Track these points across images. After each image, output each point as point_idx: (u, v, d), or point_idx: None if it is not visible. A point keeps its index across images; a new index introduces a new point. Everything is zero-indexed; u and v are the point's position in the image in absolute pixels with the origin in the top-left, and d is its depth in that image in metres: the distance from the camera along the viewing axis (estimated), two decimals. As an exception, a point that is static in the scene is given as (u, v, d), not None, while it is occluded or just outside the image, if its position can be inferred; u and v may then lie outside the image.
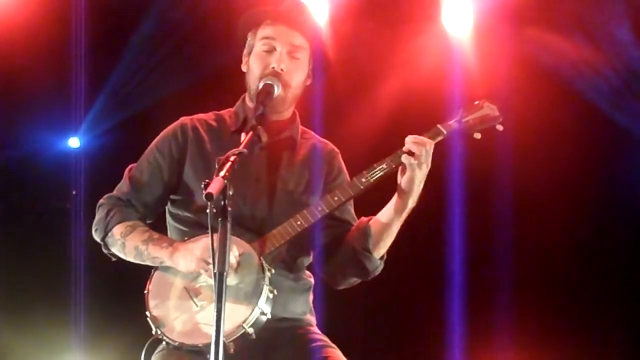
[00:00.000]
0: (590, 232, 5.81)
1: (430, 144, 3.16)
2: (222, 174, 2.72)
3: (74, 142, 6.37)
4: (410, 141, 3.16)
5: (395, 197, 3.22)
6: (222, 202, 2.71)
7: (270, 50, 3.33)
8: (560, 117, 5.63)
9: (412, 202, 3.20)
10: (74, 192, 6.29)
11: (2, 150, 6.18)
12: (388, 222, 3.22)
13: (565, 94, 5.62)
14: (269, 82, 3.26)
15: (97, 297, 6.17)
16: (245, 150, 2.87)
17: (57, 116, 6.24)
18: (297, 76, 3.35)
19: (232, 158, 2.79)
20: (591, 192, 5.77)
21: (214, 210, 2.70)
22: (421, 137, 3.17)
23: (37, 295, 6.16)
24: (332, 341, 3.33)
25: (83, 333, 6.23)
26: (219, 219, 2.72)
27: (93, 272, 6.08)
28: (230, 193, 2.72)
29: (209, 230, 2.72)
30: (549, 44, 5.53)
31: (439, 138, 3.24)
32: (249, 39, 3.41)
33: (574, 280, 5.82)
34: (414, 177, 3.15)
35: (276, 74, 3.29)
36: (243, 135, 3.06)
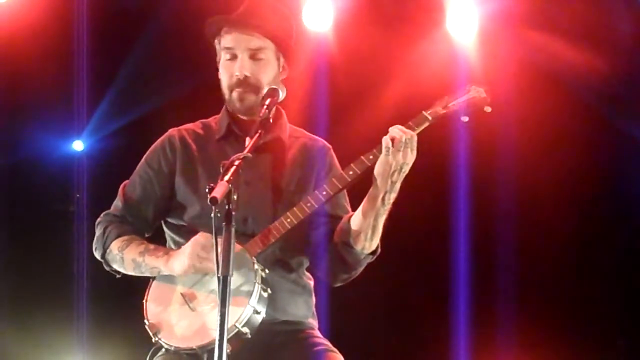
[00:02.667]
0: (594, 236, 5.80)
1: (409, 135, 3.10)
2: (226, 178, 2.73)
3: (77, 145, 6.37)
4: (392, 128, 3.13)
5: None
6: (227, 206, 2.72)
7: (232, 58, 3.35)
8: (565, 121, 5.62)
9: (383, 191, 3.13)
10: (77, 195, 6.29)
11: (6, 153, 6.19)
12: (364, 213, 3.19)
13: (570, 99, 5.61)
14: (273, 86, 3.28)
15: (100, 301, 6.17)
16: (249, 154, 2.88)
17: (61, 119, 6.24)
18: (265, 76, 3.35)
19: (236, 162, 2.80)
20: (595, 196, 5.76)
21: (219, 215, 2.70)
22: (401, 127, 3.13)
23: (40, 298, 6.16)
24: (335, 346, 3.32)
25: (86, 337, 6.23)
26: (223, 223, 2.71)
27: (96, 275, 6.05)
28: (235, 197, 2.72)
29: (213, 234, 2.72)
30: (553, 49, 5.52)
31: (425, 124, 3.20)
32: (216, 46, 3.43)
33: (578, 284, 5.81)
34: (387, 163, 3.09)
35: (241, 82, 3.31)
36: (248, 139, 3.06)
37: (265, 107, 3.20)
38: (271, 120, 3.21)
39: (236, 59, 3.34)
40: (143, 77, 6.03)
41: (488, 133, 5.21)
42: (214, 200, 2.65)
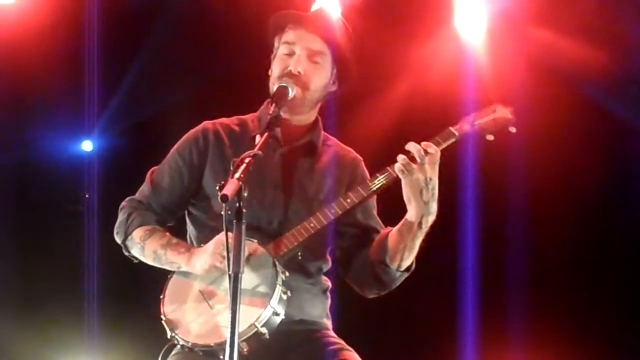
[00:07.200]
0: (605, 233, 5.80)
1: (432, 149, 3.09)
2: (237, 175, 2.72)
3: (87, 146, 6.39)
4: (407, 145, 3.11)
5: None
6: (237, 204, 2.71)
7: (290, 54, 3.35)
8: (573, 118, 5.62)
9: (420, 215, 3.11)
10: (86, 196, 6.31)
11: (16, 153, 6.21)
12: (401, 234, 3.18)
13: (578, 97, 5.61)
14: (283, 84, 3.26)
15: (110, 300, 6.19)
16: (260, 152, 2.86)
17: (70, 119, 6.26)
18: (317, 79, 3.35)
19: (247, 160, 2.79)
20: (607, 193, 5.76)
21: (229, 212, 2.70)
22: (414, 144, 3.10)
23: (50, 298, 6.19)
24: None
25: (96, 336, 6.25)
26: (234, 221, 2.71)
27: (106, 275, 6.10)
28: (245, 195, 2.72)
29: (224, 231, 2.72)
30: (562, 47, 5.52)
31: (451, 140, 3.22)
32: (275, 43, 3.43)
33: (589, 282, 5.80)
34: (410, 184, 3.08)
35: (291, 75, 3.30)
36: (258, 137, 3.05)
37: (274, 104, 3.19)
38: (281, 114, 3.18)
39: (293, 56, 3.34)
40: (153, 77, 6.04)
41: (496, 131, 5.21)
42: (224, 197, 2.64)
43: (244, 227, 2.70)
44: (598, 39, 5.47)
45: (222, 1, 5.64)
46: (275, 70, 3.36)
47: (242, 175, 2.72)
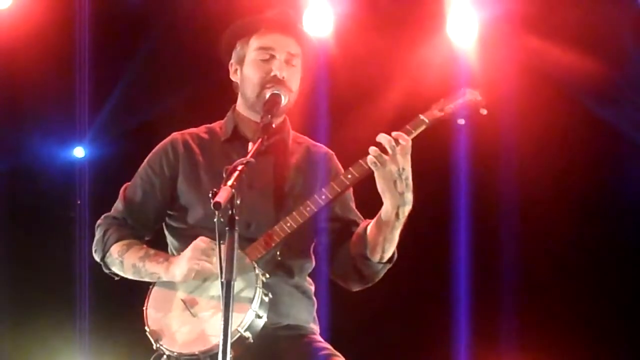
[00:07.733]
0: (597, 238, 5.82)
1: (402, 140, 3.06)
2: (229, 183, 2.72)
3: (78, 152, 6.38)
4: (378, 137, 3.09)
5: None
6: (230, 212, 2.71)
7: (269, 59, 3.34)
8: (565, 125, 5.65)
9: (395, 205, 3.07)
10: (78, 202, 6.30)
11: (8, 159, 6.20)
12: (379, 226, 3.16)
13: (570, 102, 5.64)
14: (276, 92, 3.28)
15: (102, 306, 6.17)
16: (252, 159, 2.87)
17: (62, 126, 6.25)
18: (295, 83, 3.37)
19: (239, 167, 2.79)
20: (596, 196, 5.79)
21: (222, 220, 2.69)
22: (385, 135, 3.08)
23: (42, 304, 6.17)
24: (335, 349, 3.30)
25: (87, 342, 6.24)
26: (226, 228, 2.71)
27: (98, 280, 6.06)
28: (238, 202, 2.72)
29: (217, 239, 2.71)
30: (553, 54, 5.54)
31: (422, 127, 3.19)
32: (238, 47, 3.41)
33: (581, 284, 5.82)
34: (383, 176, 3.05)
35: (279, 81, 3.31)
36: (250, 144, 3.06)
37: (267, 112, 3.21)
38: (274, 125, 3.21)
39: (273, 60, 3.33)
40: (145, 84, 6.04)
41: (489, 136, 5.24)
42: (217, 205, 2.64)
43: (236, 235, 2.70)
44: (589, 45, 5.50)
45: (215, 9, 5.64)
46: (253, 76, 3.35)
47: (234, 183, 2.73)
